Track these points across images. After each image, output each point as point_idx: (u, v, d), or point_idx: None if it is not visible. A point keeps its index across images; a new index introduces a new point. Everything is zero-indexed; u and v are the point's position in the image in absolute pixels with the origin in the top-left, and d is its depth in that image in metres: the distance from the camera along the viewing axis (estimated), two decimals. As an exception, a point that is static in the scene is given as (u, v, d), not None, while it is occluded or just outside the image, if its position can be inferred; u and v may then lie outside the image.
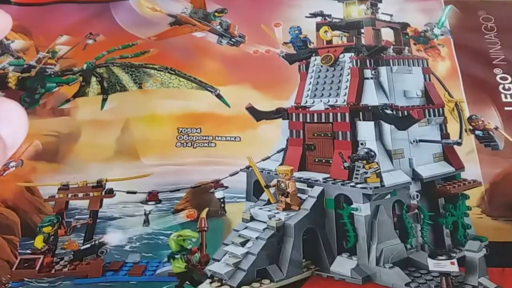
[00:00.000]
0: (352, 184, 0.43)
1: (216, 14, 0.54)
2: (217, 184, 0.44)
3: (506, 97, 0.48)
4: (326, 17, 0.53)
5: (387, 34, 0.52)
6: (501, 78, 0.50)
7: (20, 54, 0.53)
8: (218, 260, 0.40)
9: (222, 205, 0.44)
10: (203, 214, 0.42)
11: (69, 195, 0.44)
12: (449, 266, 0.40)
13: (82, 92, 0.50)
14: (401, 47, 0.51)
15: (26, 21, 0.55)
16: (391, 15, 0.53)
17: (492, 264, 0.40)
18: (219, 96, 0.48)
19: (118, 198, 0.44)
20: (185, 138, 0.46)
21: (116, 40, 0.53)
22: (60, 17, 0.56)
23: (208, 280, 0.39)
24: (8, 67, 0.52)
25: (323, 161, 0.45)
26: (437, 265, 0.40)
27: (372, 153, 0.44)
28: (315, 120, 0.47)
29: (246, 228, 0.42)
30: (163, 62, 0.51)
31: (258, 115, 0.48)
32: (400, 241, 0.42)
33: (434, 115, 0.47)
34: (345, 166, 0.44)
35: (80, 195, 0.44)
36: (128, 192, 0.43)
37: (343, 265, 0.41)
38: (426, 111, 0.47)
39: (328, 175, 0.45)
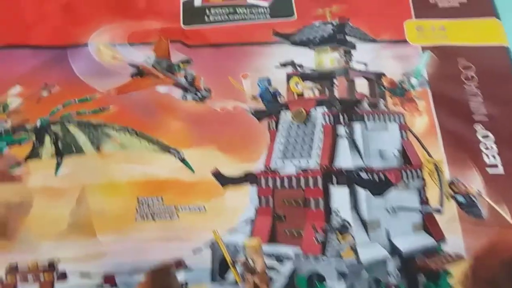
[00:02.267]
0: (326, 259, 0.39)
1: (181, 65, 0.50)
2: (179, 263, 0.40)
3: (488, 158, 0.45)
4: (297, 67, 0.50)
5: (362, 85, 0.49)
6: (482, 136, 0.46)
7: (-34, 108, 0.48)
8: None
9: (185, 288, 0.40)
10: (164, 300, 0.38)
11: (18, 279, 0.40)
12: None
13: (35, 153, 0.46)
14: (376, 100, 0.48)
15: (-26, 69, 0.51)
16: (365, 64, 0.50)
17: None
18: (182, 160, 0.45)
19: (70, 281, 0.40)
20: (146, 209, 0.42)
21: (72, 91, 0.50)
22: (12, 64, 0.51)
23: None
24: (-48, 123, 0.47)
25: (294, 233, 0.42)
26: None
27: (347, 224, 0.41)
28: (286, 186, 0.44)
29: (210, 315, 0.38)
30: (123, 120, 0.48)
31: (225, 180, 0.44)
32: (376, 323, 0.39)
33: (412, 178, 0.44)
34: (317, 239, 0.40)
35: (30, 278, 0.40)
36: (82, 275, 0.39)
37: None
38: (404, 173, 0.44)
39: (299, 249, 0.41)
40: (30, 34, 0.53)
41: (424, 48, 0.52)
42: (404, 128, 0.46)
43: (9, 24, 0.53)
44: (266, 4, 0.55)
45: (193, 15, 0.55)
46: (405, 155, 0.45)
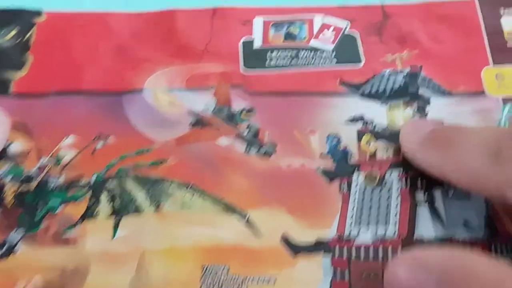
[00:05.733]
0: None
1: (243, 115, 0.47)
2: None
3: None
4: (368, 123, 0.46)
5: (439, 146, 0.45)
6: None
7: (19, 160, 0.45)
8: None
9: None
10: None
11: None
12: None
13: (91, 213, 0.42)
14: (456, 163, 0.44)
15: (27, 116, 0.48)
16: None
17: None
18: (249, 223, 0.41)
19: None
20: (211, 279, 0.39)
21: (129, 142, 0.47)
22: (65, 112, 0.49)
23: None
24: (4, 176, 0.44)
25: (376, 313, 0.38)
26: None
27: (432, 304, 0.37)
28: (362, 257, 0.40)
29: None
30: (184, 175, 0.45)
31: (295, 248, 0.41)
32: None
33: (502, 252, 0.40)
34: (401, 322, 0.36)
35: None
36: None
37: None
38: (493, 246, 0.40)
39: (382, 332, 0.37)
40: (83, 79, 0.50)
41: (505, 100, 0.48)
42: (489, 196, 0.42)
43: (61, 69, 0.51)
44: (330, 47, 0.52)
45: (254, 57, 0.52)
46: (492, 226, 0.41)
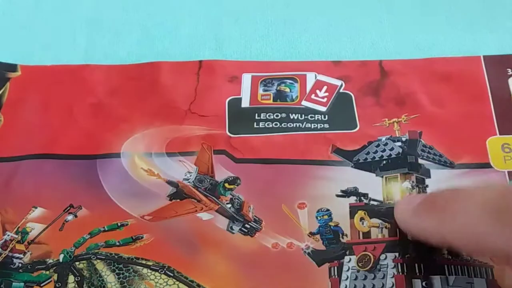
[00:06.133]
0: None
1: (227, 185, 0.43)
2: None
3: None
4: (362, 198, 0.42)
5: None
6: None
7: (-18, 233, 0.42)
8: None
9: None
10: None
11: None
12: None
13: (56, 298, 0.38)
14: (457, 248, 0.40)
15: (-8, 183, 0.44)
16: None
17: None
18: (228, 315, 0.37)
19: None
20: None
21: (101, 214, 0.43)
22: (34, 179, 0.45)
23: None
24: (-35, 256, 0.41)
25: None
26: None
27: None
28: None
29: None
30: (159, 255, 0.41)
31: None
32: None
33: None
34: None
35: None
36: None
37: None
38: None
39: None
40: (55, 142, 0.47)
41: (511, 174, 0.44)
42: (493, 285, 0.38)
43: (33, 131, 0.47)
44: (323, 109, 0.48)
45: (240, 119, 0.48)
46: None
